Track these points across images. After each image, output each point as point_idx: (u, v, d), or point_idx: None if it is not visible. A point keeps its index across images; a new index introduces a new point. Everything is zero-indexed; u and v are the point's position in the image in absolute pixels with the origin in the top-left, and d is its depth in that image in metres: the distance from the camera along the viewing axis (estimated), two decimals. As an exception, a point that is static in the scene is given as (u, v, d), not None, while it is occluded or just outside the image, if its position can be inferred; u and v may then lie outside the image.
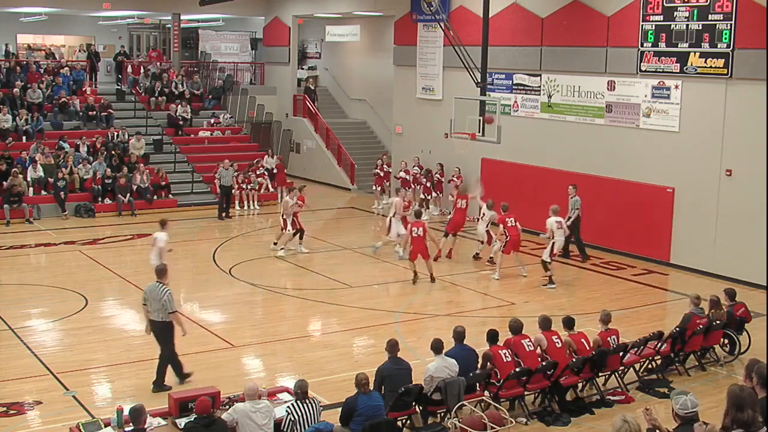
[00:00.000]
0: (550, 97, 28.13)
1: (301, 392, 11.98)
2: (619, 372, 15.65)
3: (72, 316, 19.54)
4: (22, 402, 14.66)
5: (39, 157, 31.14)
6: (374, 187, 33.86)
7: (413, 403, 13.34)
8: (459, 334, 14.30)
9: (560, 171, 27.52)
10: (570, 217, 24.87)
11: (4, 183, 29.77)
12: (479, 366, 14.15)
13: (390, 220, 25.33)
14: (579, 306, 20.50)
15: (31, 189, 30.37)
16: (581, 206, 25.05)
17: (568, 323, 15.41)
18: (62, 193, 30.41)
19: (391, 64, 35.20)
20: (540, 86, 28.43)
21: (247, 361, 17.28)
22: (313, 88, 41.39)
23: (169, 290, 15.37)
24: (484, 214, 25.13)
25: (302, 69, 43.86)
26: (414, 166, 32.40)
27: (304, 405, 11.85)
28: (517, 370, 14.09)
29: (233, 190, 31.68)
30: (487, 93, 26.00)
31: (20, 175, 30.03)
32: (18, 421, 14.05)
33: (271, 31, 41.85)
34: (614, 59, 26.05)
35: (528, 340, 14.64)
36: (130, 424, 11.23)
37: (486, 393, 13.90)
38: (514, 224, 23.54)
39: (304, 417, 11.73)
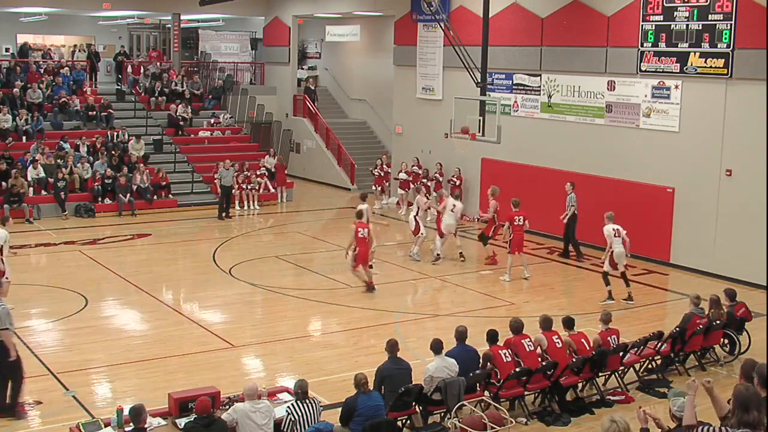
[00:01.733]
0: (550, 97, 28.14)
1: (301, 392, 11.99)
2: (619, 372, 15.66)
3: (72, 316, 19.54)
4: (22, 402, 14.65)
5: (39, 157, 31.14)
6: (374, 187, 33.85)
7: (413, 403, 13.34)
8: (461, 334, 14.31)
9: (560, 171, 27.51)
10: (566, 215, 25.31)
11: (4, 183, 29.77)
12: (481, 366, 14.16)
13: (415, 219, 25.33)
14: (579, 306, 20.51)
15: (31, 189, 30.36)
16: (577, 203, 25.09)
17: (568, 323, 15.42)
18: (62, 193, 30.40)
19: (391, 64, 35.21)
20: (540, 86, 28.44)
21: (247, 361, 17.28)
22: (312, 88, 41.40)
23: (3, 306, 14.21)
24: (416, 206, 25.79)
25: (302, 69, 43.87)
26: (413, 166, 32.40)
27: (304, 405, 11.86)
28: (517, 370, 14.09)
29: (233, 190, 31.64)
30: (487, 93, 25.99)
31: (20, 176, 30.03)
32: (18, 421, 14.06)
33: (271, 31, 41.86)
34: (614, 59, 26.06)
35: (528, 339, 14.65)
36: (130, 423, 11.24)
37: (486, 393, 13.91)
38: (521, 223, 23.40)
39: (304, 417, 11.74)
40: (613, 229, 21.21)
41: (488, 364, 14.14)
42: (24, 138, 33.11)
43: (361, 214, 22.19)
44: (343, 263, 24.10)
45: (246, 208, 32.78)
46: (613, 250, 21.05)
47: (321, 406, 12.33)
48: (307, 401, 11.94)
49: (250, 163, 34.38)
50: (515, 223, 23.36)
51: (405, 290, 22.46)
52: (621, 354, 15.54)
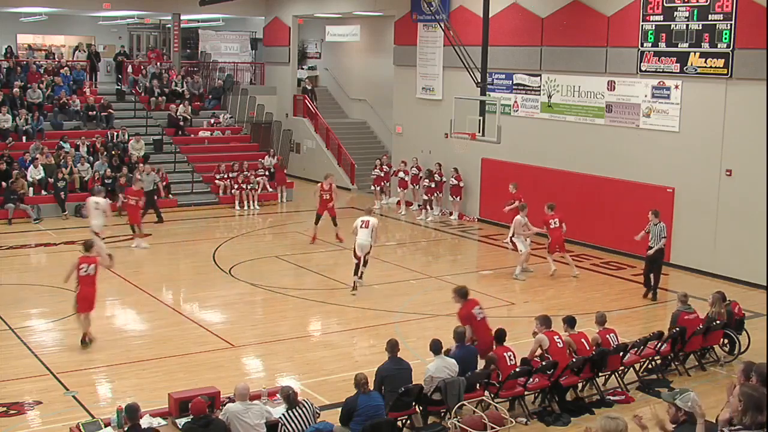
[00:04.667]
0: (550, 97, 28.13)
1: (288, 400, 11.94)
2: (619, 372, 15.65)
3: (72, 316, 19.47)
4: (22, 402, 14.68)
5: (39, 157, 31.13)
6: (373, 187, 33.85)
7: (413, 403, 13.34)
8: (459, 335, 14.32)
9: (560, 171, 27.55)
10: (653, 248, 21.70)
11: (4, 183, 29.78)
12: (483, 366, 14.16)
13: (512, 241, 24.51)
14: (579, 306, 20.48)
15: (31, 189, 30.35)
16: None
17: (570, 322, 15.42)
18: (62, 193, 30.39)
19: (391, 64, 35.22)
20: (540, 86, 28.44)
21: (247, 361, 17.29)
22: (310, 88, 41.38)
23: None
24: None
25: (302, 69, 43.85)
26: (413, 167, 32.40)
27: (296, 411, 11.81)
28: (517, 369, 14.09)
29: (154, 196, 30.29)
30: (487, 93, 26.00)
31: (20, 176, 30.04)
32: (18, 421, 14.07)
33: (271, 31, 41.87)
34: (614, 59, 26.06)
35: (558, 336, 14.78)
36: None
37: (486, 393, 13.92)
38: (557, 225, 23.61)
39: (298, 424, 11.69)
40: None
41: (491, 365, 14.14)
42: (24, 138, 33.10)
43: (90, 246, 18.23)
44: (343, 263, 24.14)
45: (246, 208, 32.77)
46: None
47: (318, 408, 12.33)
48: (298, 407, 11.90)
49: (249, 163, 34.39)
50: (551, 226, 23.60)
51: (404, 290, 22.43)
52: (621, 354, 15.54)
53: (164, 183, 32.21)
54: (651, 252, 21.49)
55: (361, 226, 21.80)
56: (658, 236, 21.50)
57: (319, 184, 27.42)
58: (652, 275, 21.66)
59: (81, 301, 17.52)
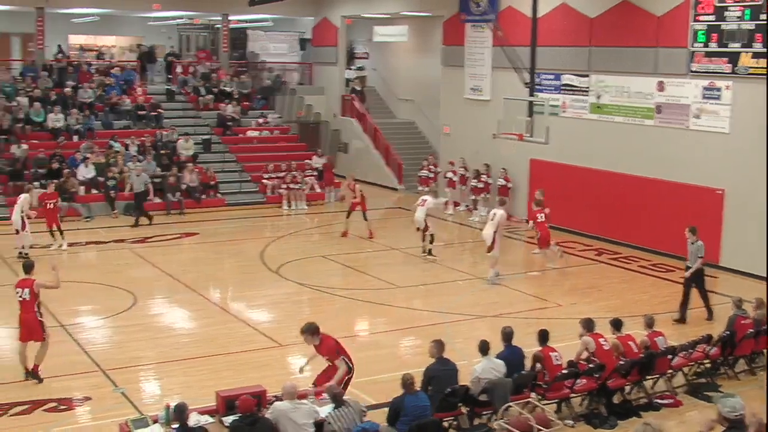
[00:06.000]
0: (599, 97, 27.93)
1: (334, 399, 11.96)
2: (668, 375, 15.52)
3: (121, 313, 19.73)
4: (71, 398, 14.85)
5: (90, 156, 31.45)
6: (420, 188, 33.83)
7: (460, 404, 13.32)
8: (507, 335, 14.26)
9: (608, 172, 27.35)
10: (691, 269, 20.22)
11: (56, 181, 30.10)
12: (529, 367, 14.11)
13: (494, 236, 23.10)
14: (626, 308, 20.30)
15: (82, 188, 30.67)
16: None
17: (616, 325, 15.32)
18: (112, 191, 30.68)
19: (439, 65, 35.17)
20: (588, 87, 28.24)
21: (293, 360, 17.29)
22: (359, 88, 41.43)
23: None
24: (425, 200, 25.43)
25: (350, 69, 43.90)
26: (460, 167, 32.35)
27: (342, 411, 11.81)
28: (565, 372, 14.03)
29: (148, 197, 30.59)
30: (535, 93, 25.92)
31: (72, 175, 30.39)
32: (67, 417, 14.26)
33: (320, 32, 41.98)
34: (664, 60, 25.84)
35: (603, 338, 14.66)
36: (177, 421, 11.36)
37: (533, 395, 13.86)
38: (544, 219, 24.22)
39: (344, 423, 11.70)
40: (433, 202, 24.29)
41: (537, 365, 14.09)
42: (75, 137, 33.47)
43: (30, 268, 16.29)
44: (391, 263, 24.17)
45: (294, 207, 32.88)
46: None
47: (365, 407, 12.34)
48: (345, 406, 11.91)
49: (297, 163, 34.51)
50: (537, 221, 24.36)
51: (452, 291, 22.39)
52: (669, 357, 15.41)
53: (212, 181, 32.45)
54: (688, 274, 20.05)
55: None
56: (694, 256, 19.94)
57: (347, 185, 28.64)
58: (701, 296, 20.14)
59: (20, 327, 15.75)
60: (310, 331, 13.63)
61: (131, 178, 30.30)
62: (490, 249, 22.86)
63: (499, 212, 22.75)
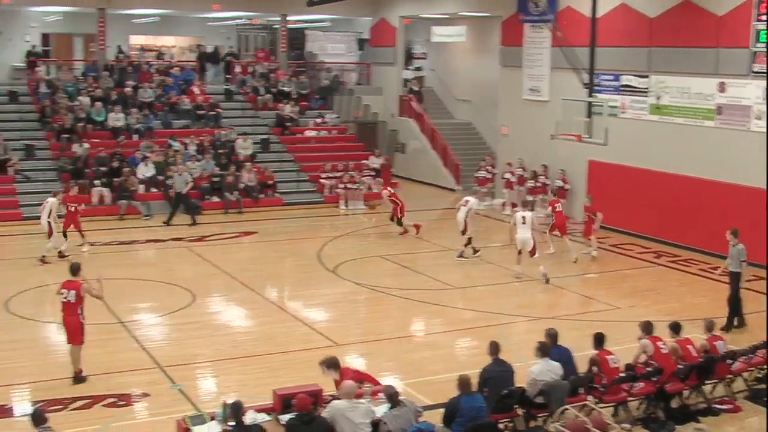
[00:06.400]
0: (658, 98, 27.66)
1: (390, 399, 11.95)
2: (727, 380, 15.32)
3: (179, 311, 19.91)
4: (130, 394, 15.01)
5: (150, 156, 31.76)
6: (478, 188, 33.75)
7: (516, 406, 13.26)
8: (552, 336, 14.16)
9: (668, 174, 27.06)
10: (728, 270, 19.69)
11: (116, 180, 30.48)
12: (587, 370, 14.01)
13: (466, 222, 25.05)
14: (686, 311, 20.09)
15: (141, 186, 30.99)
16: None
17: (675, 328, 15.16)
18: (171, 190, 30.94)
19: (497, 65, 35.06)
20: (648, 88, 27.98)
21: (350, 360, 17.28)
22: (417, 89, 41.42)
23: None
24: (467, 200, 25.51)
25: (408, 69, 43.89)
26: (518, 168, 32.23)
27: (398, 411, 11.80)
28: (622, 375, 13.92)
29: (186, 197, 30.47)
30: (593, 94, 25.74)
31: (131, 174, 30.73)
32: (126, 412, 14.42)
33: (378, 32, 42.03)
34: (725, 60, 25.52)
35: (662, 342, 14.53)
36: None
37: (589, 397, 13.76)
38: (561, 209, 25.99)
39: (400, 424, 11.69)
40: (521, 216, 23.24)
41: (594, 368, 13.99)
42: (135, 136, 33.83)
43: (77, 270, 16.09)
44: (448, 264, 24.12)
45: (351, 207, 32.94)
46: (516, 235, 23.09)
47: (420, 407, 12.33)
48: (401, 406, 11.89)
49: (354, 163, 34.60)
50: (556, 210, 25.82)
51: (508, 292, 22.33)
52: (729, 362, 15.22)
53: (270, 181, 32.61)
54: (741, 284, 19.43)
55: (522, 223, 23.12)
56: (736, 259, 19.28)
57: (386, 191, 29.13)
58: (732, 301, 19.48)
59: (66, 330, 15.67)
60: (327, 364, 13.08)
61: (173, 178, 30.52)
62: (464, 232, 24.86)
63: (472, 200, 25.45)
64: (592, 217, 25.21)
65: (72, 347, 15.56)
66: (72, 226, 25.06)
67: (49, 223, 23.97)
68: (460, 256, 24.96)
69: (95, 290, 15.82)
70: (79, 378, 15.45)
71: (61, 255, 23.93)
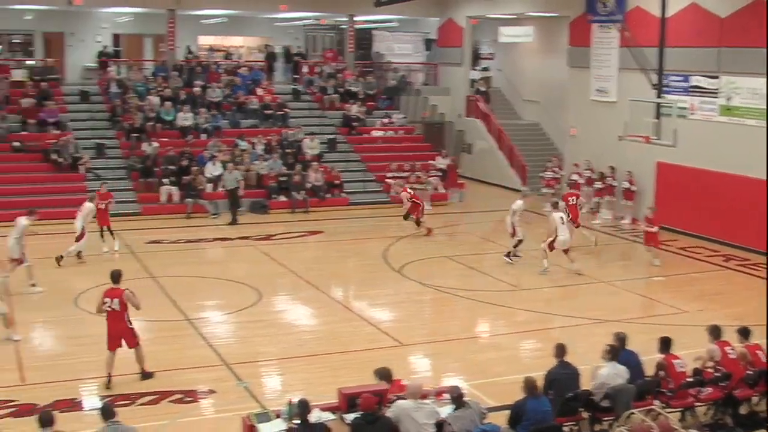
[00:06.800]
0: (728, 99, 27.27)
1: (455, 400, 11.94)
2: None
3: (245, 309, 20.06)
4: (196, 390, 15.17)
5: (218, 155, 32.04)
6: (545, 190, 33.57)
7: (581, 409, 13.19)
8: (621, 340, 14.05)
9: (738, 176, 26.68)
10: None
11: (185, 178, 30.81)
12: (653, 374, 13.88)
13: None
14: (755, 317, 19.75)
15: (209, 185, 31.28)
16: None
17: (744, 333, 14.95)
18: (238, 189, 31.21)
19: (565, 66, 34.86)
20: (718, 89, 27.60)
21: (414, 360, 17.40)
22: (484, 89, 41.31)
23: None
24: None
25: (475, 70, 43.78)
26: (586, 169, 32.00)
27: (462, 412, 11.79)
28: (690, 380, 13.77)
29: (236, 194, 30.51)
30: (662, 95, 25.48)
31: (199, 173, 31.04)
32: (192, 409, 14.60)
33: (445, 32, 41.97)
34: (798, 61, 25.11)
35: (730, 347, 14.35)
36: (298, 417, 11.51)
37: (656, 402, 13.63)
38: (575, 203, 26.64)
39: (464, 425, 11.67)
40: (560, 217, 23.50)
41: (660, 372, 13.86)
42: (203, 136, 34.17)
43: (119, 277, 15.96)
44: (513, 265, 24.01)
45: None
46: (558, 236, 23.26)
47: (485, 409, 12.31)
48: (465, 407, 11.88)
49: (421, 163, 34.60)
50: (569, 203, 26.15)
51: (574, 294, 22.20)
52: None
53: (336, 180, 32.74)
54: None
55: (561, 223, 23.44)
56: None
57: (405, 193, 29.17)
58: None
59: (109, 337, 15.55)
60: (380, 375, 12.92)
61: (224, 176, 30.74)
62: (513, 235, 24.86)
63: (518, 202, 25.11)
64: (650, 227, 24.77)
65: (135, 350, 15.64)
66: (103, 223, 25.15)
67: (83, 227, 24.02)
68: (508, 255, 24.86)
69: (136, 301, 15.74)
70: (146, 374, 15.65)
71: (79, 256, 23.91)
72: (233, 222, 29.56)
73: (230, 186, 30.15)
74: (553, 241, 23.50)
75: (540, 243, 24.03)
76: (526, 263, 24.59)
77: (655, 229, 24.66)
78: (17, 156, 31.95)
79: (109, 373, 15.32)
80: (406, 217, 28.61)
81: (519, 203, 25.09)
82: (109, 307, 15.38)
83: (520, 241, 24.76)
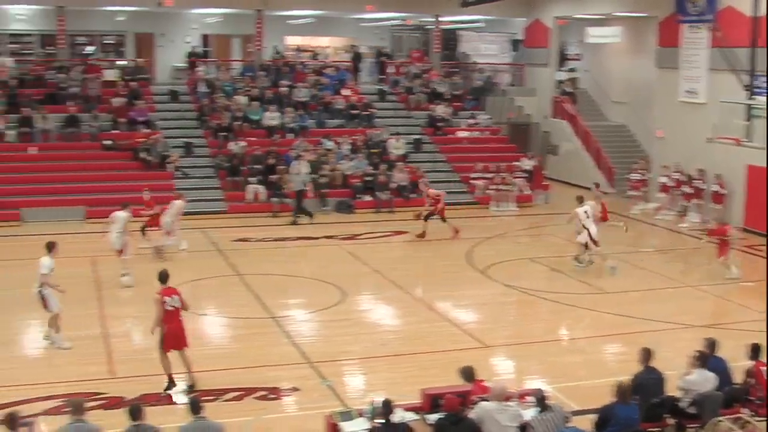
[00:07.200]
0: (823, 101, 26.70)
1: (539, 403, 11.86)
2: None
3: (330, 308, 20.17)
4: (280, 387, 15.29)
5: (304, 154, 32.23)
6: (631, 192, 33.20)
7: (666, 415, 13.02)
8: (711, 345, 13.82)
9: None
10: None
11: (271, 177, 31.07)
12: (742, 381, 13.64)
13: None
14: None
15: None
16: None
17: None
18: (324, 188, 31.37)
19: (653, 66, 34.43)
20: (812, 90, 27.04)
21: (497, 362, 17.34)
22: (570, 90, 40.99)
23: None
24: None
25: (562, 71, 43.46)
26: (675, 171, 31.56)
27: (546, 415, 11.72)
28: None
29: (303, 195, 30.27)
30: (754, 96, 25.04)
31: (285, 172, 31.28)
32: (276, 406, 14.76)
33: (532, 33, 41.75)
34: None
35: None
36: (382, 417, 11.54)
37: (744, 410, 13.39)
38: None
39: (547, 428, 11.60)
40: (584, 211, 23.50)
41: (750, 379, 13.60)
42: (290, 135, 34.43)
43: (167, 277, 15.57)
44: (599, 268, 23.78)
45: (502, 208, 32.80)
46: (589, 229, 23.23)
47: (569, 413, 12.22)
48: (549, 411, 11.81)
49: (506, 164, 34.46)
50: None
51: (661, 298, 21.91)
52: None
53: (413, 181, 32.76)
54: None
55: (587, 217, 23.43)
56: None
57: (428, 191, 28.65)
58: None
59: (168, 337, 15.19)
60: (464, 374, 12.92)
61: (291, 177, 30.86)
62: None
63: (589, 204, 24.43)
64: (724, 239, 24.01)
65: (184, 352, 15.30)
66: (153, 225, 24.94)
67: (171, 223, 24.21)
68: (575, 259, 24.50)
69: (186, 302, 15.48)
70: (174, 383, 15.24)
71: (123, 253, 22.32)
72: (293, 222, 29.63)
73: (297, 187, 30.26)
74: (590, 235, 23.30)
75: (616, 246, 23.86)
76: (619, 267, 24.34)
77: (716, 240, 23.98)
78: (108, 154, 32.56)
79: (170, 374, 15.21)
80: (426, 217, 27.92)
81: (587, 207, 24.36)
82: (171, 305, 15.04)
83: (586, 245, 24.20)
